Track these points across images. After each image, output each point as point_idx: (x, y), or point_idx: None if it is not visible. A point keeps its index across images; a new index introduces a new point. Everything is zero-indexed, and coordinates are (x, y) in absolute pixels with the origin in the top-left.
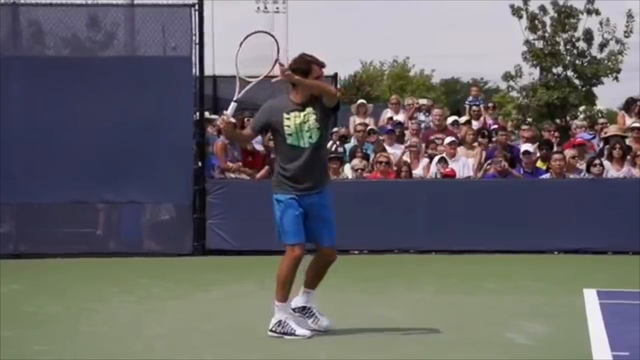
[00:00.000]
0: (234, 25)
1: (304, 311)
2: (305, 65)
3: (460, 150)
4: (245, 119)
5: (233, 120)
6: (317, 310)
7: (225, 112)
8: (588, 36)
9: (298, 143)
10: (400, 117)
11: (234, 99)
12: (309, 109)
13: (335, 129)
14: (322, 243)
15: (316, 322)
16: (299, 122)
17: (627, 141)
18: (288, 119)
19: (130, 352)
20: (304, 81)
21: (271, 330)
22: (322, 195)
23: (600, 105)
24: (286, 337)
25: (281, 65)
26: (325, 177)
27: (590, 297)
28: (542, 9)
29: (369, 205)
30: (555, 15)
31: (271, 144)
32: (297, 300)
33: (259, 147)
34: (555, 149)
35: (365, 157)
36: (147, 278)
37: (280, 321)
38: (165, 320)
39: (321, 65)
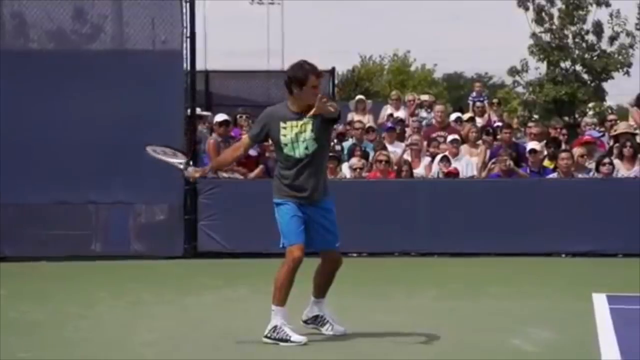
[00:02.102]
0: (227, 17)
1: (316, 320)
2: (302, 74)
3: (464, 148)
4: (238, 116)
5: (198, 173)
6: (330, 316)
7: (187, 173)
8: (598, 29)
9: (293, 153)
10: (400, 113)
11: (181, 168)
12: (307, 119)
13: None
14: (325, 247)
15: (331, 328)
16: (295, 133)
17: (638, 139)
18: (285, 128)
19: (118, 359)
20: (321, 109)
21: (266, 336)
22: (323, 206)
23: (610, 101)
24: (281, 343)
25: (320, 96)
26: (326, 187)
27: (600, 302)
28: (550, 0)
29: (368, 206)
30: (563, 6)
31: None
32: (308, 312)
33: (253, 152)
34: (563, 147)
35: (364, 155)
36: (136, 282)
37: (275, 327)
38: (155, 327)
39: (319, 75)
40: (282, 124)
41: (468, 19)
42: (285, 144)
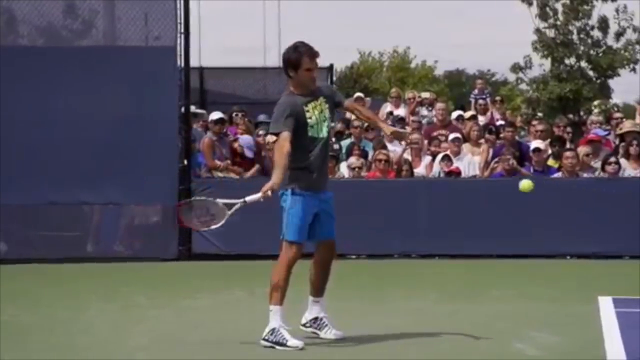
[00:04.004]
0: (222, 13)
1: (315, 323)
2: (295, 57)
3: (465, 147)
4: (234, 114)
5: (266, 189)
6: (329, 320)
7: (255, 197)
8: (603, 24)
9: (318, 134)
10: (400, 111)
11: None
12: (321, 99)
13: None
14: (328, 235)
15: (330, 331)
16: (318, 112)
17: None
18: (308, 110)
19: None
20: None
21: (264, 339)
22: (328, 193)
23: (616, 98)
24: (278, 347)
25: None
26: None
27: (606, 305)
28: None
29: (367, 207)
30: (568, 1)
31: (265, 138)
32: (308, 314)
33: (249, 154)
34: (567, 145)
35: (363, 154)
36: (129, 285)
37: (273, 329)
38: (148, 331)
39: (313, 56)
40: (305, 107)
41: (470, 14)
42: (312, 126)
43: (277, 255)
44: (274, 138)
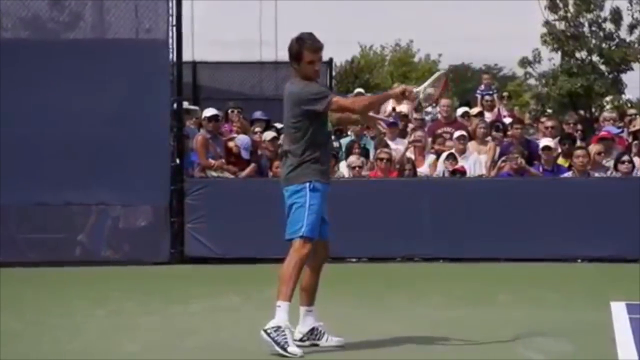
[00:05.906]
0: (216, 4)
1: (313, 334)
2: (296, 51)
3: (471, 145)
4: (230, 111)
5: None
6: (324, 327)
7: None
8: (616, 16)
9: (328, 127)
10: (403, 108)
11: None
12: None
13: None
14: (326, 235)
15: (330, 339)
16: None
17: None
18: None
19: None
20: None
21: (265, 331)
22: None
23: (629, 94)
24: (276, 347)
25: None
26: None
27: (619, 311)
28: None
29: (368, 208)
30: None
31: (261, 136)
32: (301, 327)
33: (246, 155)
34: (578, 143)
35: (364, 153)
36: (119, 289)
37: (279, 327)
38: (138, 337)
39: (315, 50)
40: None
41: (476, 6)
42: (325, 118)
43: (274, 259)
44: (271, 135)
